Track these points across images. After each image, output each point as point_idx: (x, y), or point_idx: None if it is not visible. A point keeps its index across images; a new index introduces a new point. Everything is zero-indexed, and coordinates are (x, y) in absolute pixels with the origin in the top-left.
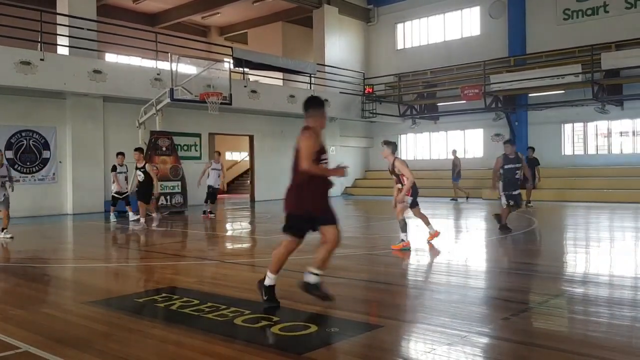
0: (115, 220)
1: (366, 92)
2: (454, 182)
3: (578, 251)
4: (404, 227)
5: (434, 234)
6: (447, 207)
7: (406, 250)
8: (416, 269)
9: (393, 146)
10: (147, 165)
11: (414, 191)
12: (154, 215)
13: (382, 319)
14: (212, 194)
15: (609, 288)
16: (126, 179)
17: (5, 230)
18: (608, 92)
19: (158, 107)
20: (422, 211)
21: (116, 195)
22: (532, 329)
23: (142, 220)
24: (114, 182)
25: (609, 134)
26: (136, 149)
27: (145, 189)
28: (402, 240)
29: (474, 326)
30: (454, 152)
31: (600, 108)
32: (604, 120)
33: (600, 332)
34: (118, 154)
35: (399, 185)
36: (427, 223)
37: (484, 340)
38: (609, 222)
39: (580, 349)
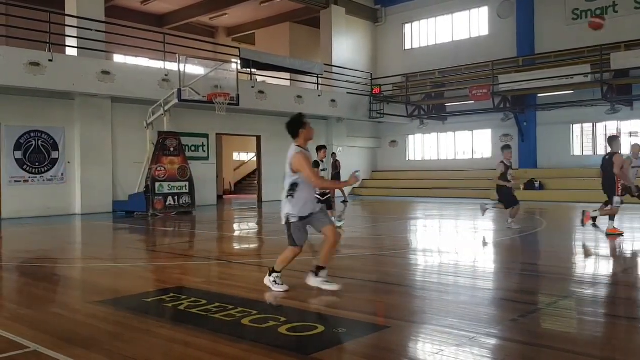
0: (342, 222)
1: (374, 92)
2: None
3: (587, 252)
4: None
5: None
6: (454, 208)
7: None
8: (423, 270)
9: None
10: None
11: None
12: None
13: (389, 320)
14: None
15: (619, 289)
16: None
17: None
18: (617, 92)
19: (166, 108)
20: None
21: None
22: (540, 330)
23: None
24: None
25: (618, 135)
26: None
27: None
28: None
29: (482, 327)
30: (334, 155)
31: (609, 108)
32: (613, 121)
33: (610, 334)
34: (321, 147)
35: None
36: None
37: (493, 341)
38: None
39: (589, 350)
